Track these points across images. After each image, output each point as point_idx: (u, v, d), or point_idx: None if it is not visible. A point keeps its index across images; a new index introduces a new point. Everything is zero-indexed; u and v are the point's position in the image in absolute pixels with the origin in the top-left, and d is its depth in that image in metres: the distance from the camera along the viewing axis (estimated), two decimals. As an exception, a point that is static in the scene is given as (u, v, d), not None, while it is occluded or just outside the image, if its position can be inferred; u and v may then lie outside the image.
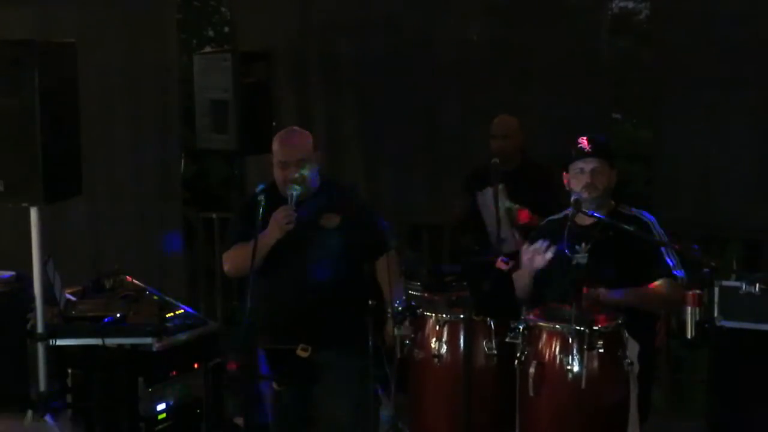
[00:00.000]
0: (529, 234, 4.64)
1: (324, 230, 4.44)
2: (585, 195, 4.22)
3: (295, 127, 4.68)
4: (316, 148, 4.56)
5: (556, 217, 4.43)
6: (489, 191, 5.50)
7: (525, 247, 4.30)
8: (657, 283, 4.17)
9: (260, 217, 4.27)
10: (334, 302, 4.42)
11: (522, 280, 4.28)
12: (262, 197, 4.31)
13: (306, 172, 4.41)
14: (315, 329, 4.36)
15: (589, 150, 4.25)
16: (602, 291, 4.04)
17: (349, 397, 4.46)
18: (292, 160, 4.42)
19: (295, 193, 4.35)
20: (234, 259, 4.52)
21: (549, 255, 4.14)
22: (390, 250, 4.57)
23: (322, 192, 4.53)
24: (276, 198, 4.40)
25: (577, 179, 4.27)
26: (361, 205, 4.65)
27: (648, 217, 4.30)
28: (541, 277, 4.28)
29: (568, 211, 4.28)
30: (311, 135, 4.58)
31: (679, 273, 4.21)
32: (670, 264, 4.20)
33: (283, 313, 4.45)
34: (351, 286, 4.50)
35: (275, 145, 4.51)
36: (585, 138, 4.29)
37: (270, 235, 4.34)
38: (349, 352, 4.42)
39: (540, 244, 4.18)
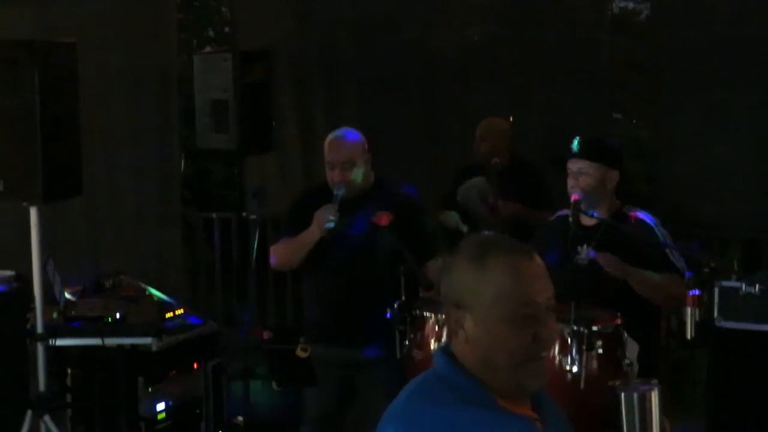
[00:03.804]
0: (537, 230, 4.65)
1: (376, 227, 4.41)
2: (582, 195, 4.23)
3: (344, 128, 4.70)
4: (367, 148, 4.56)
5: (564, 212, 4.43)
6: (471, 192, 5.55)
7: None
8: (663, 275, 4.17)
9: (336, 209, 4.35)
10: (381, 301, 4.38)
11: None
12: (339, 192, 4.39)
13: (351, 172, 4.44)
14: (360, 328, 4.36)
15: (576, 151, 4.26)
16: (608, 257, 4.06)
17: (390, 396, 4.43)
18: (338, 161, 4.44)
19: (339, 193, 4.39)
20: (279, 254, 4.59)
21: None
22: (437, 255, 4.48)
23: (375, 190, 4.54)
24: (328, 197, 4.44)
25: (568, 179, 4.29)
26: (412, 206, 4.59)
27: (650, 219, 4.29)
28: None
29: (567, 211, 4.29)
30: (362, 135, 4.61)
31: (687, 273, 4.20)
32: (677, 263, 4.20)
33: (330, 311, 4.46)
34: (398, 285, 4.48)
35: (325, 146, 4.55)
36: (578, 138, 4.30)
37: (311, 233, 4.39)
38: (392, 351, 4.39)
39: None
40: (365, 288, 4.40)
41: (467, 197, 5.74)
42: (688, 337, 4.00)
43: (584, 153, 4.26)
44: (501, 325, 2.09)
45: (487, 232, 2.23)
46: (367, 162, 4.54)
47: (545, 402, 2.23)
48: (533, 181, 5.76)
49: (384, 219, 4.41)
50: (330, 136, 4.59)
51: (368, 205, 4.46)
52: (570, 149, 4.28)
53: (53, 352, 4.69)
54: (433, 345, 4.19)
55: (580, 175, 4.24)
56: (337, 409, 4.58)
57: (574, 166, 4.27)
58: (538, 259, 2.18)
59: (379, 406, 4.41)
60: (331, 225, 4.33)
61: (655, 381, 3.53)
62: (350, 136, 4.58)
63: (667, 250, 4.21)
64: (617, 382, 3.48)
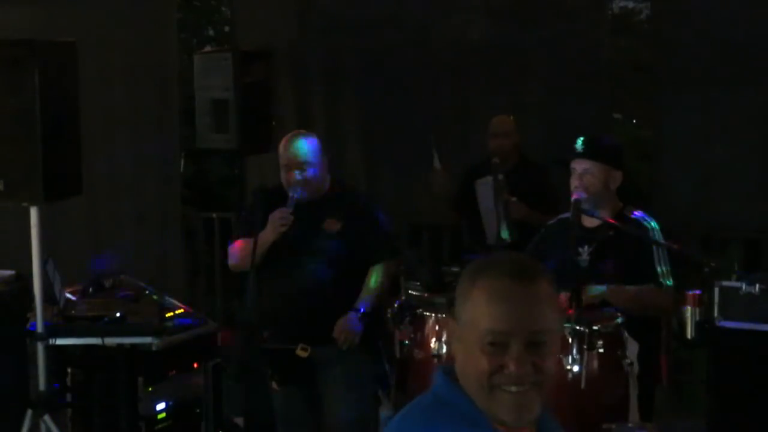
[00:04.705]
0: (539, 231, 4.64)
1: (325, 234, 4.48)
2: (582, 195, 4.22)
3: (301, 131, 4.71)
4: (323, 151, 4.57)
5: (564, 216, 4.42)
6: (487, 184, 5.52)
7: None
8: (642, 287, 4.15)
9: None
10: (335, 303, 4.44)
11: None
12: (294, 195, 4.40)
13: (307, 175, 4.44)
14: (315, 329, 4.39)
15: (581, 151, 4.25)
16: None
17: (351, 395, 4.47)
18: (294, 163, 4.45)
19: (295, 196, 4.40)
20: (235, 255, 4.62)
21: None
22: (385, 260, 4.56)
23: (329, 195, 4.56)
24: (281, 199, 4.45)
25: (572, 179, 4.28)
26: (366, 212, 4.62)
27: (650, 223, 4.28)
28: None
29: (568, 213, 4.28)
30: (317, 138, 4.60)
31: (666, 281, 4.19)
32: (659, 272, 4.18)
33: (286, 312, 4.48)
34: (352, 289, 4.51)
35: (280, 148, 4.55)
36: (582, 138, 4.29)
37: (266, 235, 4.41)
38: (350, 350, 4.44)
39: None
40: (318, 290, 4.45)
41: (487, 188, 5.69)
42: (688, 336, 4.01)
43: (589, 153, 4.24)
44: (472, 346, 2.00)
45: (506, 252, 2.07)
46: (323, 165, 4.54)
47: (550, 428, 2.15)
48: (540, 182, 5.76)
49: (334, 226, 4.46)
50: (285, 138, 4.60)
51: (323, 209, 4.50)
52: (574, 149, 4.27)
53: (53, 352, 4.69)
54: (433, 344, 4.19)
55: (585, 175, 4.22)
56: (303, 408, 4.58)
57: (578, 166, 4.25)
58: (536, 289, 2.00)
59: (337, 403, 4.47)
60: (285, 228, 4.37)
61: (650, 425, 3.54)
62: (307, 138, 4.58)
63: (656, 257, 4.19)
64: (612, 426, 3.48)
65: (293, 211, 4.39)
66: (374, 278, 4.51)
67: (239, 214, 4.92)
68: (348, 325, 4.43)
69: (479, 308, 1.99)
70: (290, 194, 4.43)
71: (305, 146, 4.51)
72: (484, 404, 2.01)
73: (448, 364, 2.12)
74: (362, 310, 4.44)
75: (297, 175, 4.44)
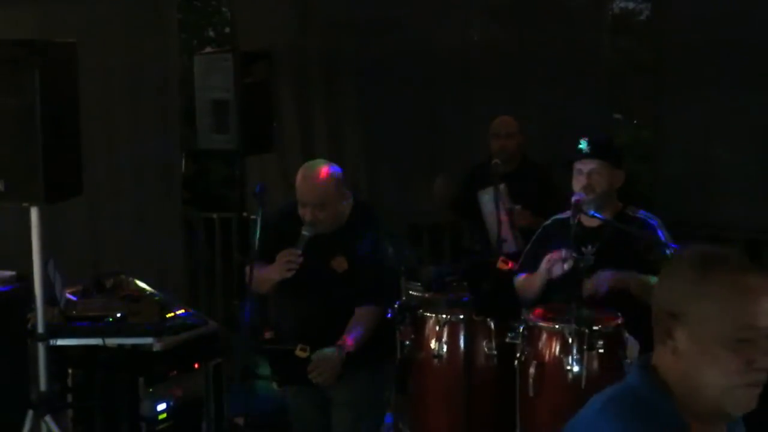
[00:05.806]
0: (535, 234, 4.63)
1: (331, 273, 4.36)
2: (583, 196, 4.21)
3: (320, 162, 4.45)
4: (341, 185, 4.35)
5: (561, 216, 4.41)
6: (490, 190, 5.51)
7: (547, 257, 4.26)
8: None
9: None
10: (333, 337, 4.31)
11: (533, 286, 4.27)
12: (307, 234, 4.26)
13: (320, 216, 4.28)
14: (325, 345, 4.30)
15: (588, 151, 4.24)
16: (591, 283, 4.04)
17: (360, 400, 4.42)
18: (310, 202, 4.28)
19: (307, 235, 4.27)
20: (249, 279, 4.43)
21: (567, 266, 4.08)
22: (376, 306, 4.36)
23: (344, 227, 4.39)
24: (294, 221, 4.34)
25: (576, 180, 4.26)
26: (374, 253, 4.41)
27: (652, 221, 4.28)
28: (549, 279, 4.27)
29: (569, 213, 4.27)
30: (337, 170, 4.35)
31: None
32: None
33: (296, 329, 4.43)
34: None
35: (298, 179, 4.34)
36: (586, 138, 4.28)
37: (271, 274, 4.33)
38: (360, 369, 4.37)
39: (563, 254, 4.11)
40: (318, 324, 4.35)
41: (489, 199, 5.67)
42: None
43: (596, 153, 4.24)
44: (715, 344, 1.96)
45: (716, 246, 2.00)
46: (340, 201, 4.35)
47: (738, 428, 2.13)
48: (544, 182, 5.75)
49: (341, 265, 4.35)
50: (303, 171, 4.35)
51: (333, 244, 4.36)
52: (579, 150, 4.26)
53: (54, 353, 4.69)
54: (433, 345, 4.18)
55: (593, 175, 4.21)
56: (314, 409, 4.56)
57: (585, 166, 4.24)
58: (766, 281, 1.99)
59: (344, 406, 4.40)
60: (290, 273, 4.25)
61: None
62: (325, 174, 4.30)
63: (668, 252, 4.20)
64: None
65: (302, 252, 4.25)
66: (363, 323, 4.33)
67: (253, 231, 4.77)
68: (329, 361, 4.24)
69: (727, 305, 1.96)
70: (302, 232, 4.27)
71: (321, 185, 4.28)
72: (710, 403, 1.99)
73: (644, 358, 2.09)
74: (346, 349, 4.25)
75: (309, 214, 4.27)
